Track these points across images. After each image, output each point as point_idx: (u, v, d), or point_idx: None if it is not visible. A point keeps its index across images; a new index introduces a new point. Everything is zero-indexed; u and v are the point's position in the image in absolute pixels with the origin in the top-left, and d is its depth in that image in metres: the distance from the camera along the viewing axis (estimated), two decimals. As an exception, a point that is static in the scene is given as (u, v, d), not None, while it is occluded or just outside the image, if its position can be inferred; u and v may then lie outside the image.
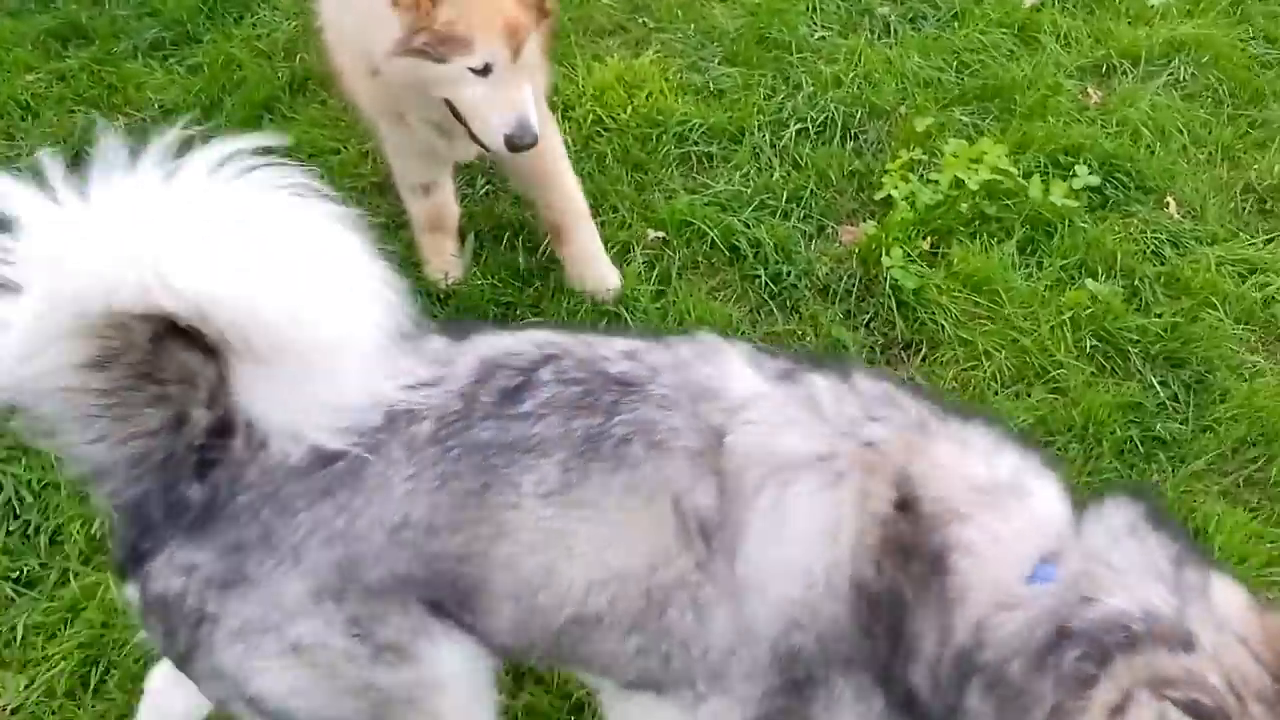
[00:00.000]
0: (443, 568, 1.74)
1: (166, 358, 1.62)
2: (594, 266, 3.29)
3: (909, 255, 3.43)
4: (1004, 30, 4.28)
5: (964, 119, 3.94)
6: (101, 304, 1.52)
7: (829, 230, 3.59)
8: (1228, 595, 1.64)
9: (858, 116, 3.92)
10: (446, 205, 3.31)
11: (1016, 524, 1.69)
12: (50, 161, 1.52)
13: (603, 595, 1.75)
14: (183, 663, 1.80)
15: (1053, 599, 1.63)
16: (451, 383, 1.75)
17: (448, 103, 2.80)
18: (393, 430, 1.71)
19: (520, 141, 2.77)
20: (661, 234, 3.50)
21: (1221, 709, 1.50)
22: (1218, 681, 1.52)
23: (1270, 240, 3.67)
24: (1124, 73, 4.21)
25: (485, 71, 2.71)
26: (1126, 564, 1.65)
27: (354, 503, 1.70)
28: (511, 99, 2.74)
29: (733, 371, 1.79)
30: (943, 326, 3.31)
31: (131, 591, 1.77)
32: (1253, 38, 4.40)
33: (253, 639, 1.72)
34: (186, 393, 1.65)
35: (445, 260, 3.30)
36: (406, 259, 3.25)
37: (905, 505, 1.68)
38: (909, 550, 1.66)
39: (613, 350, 1.80)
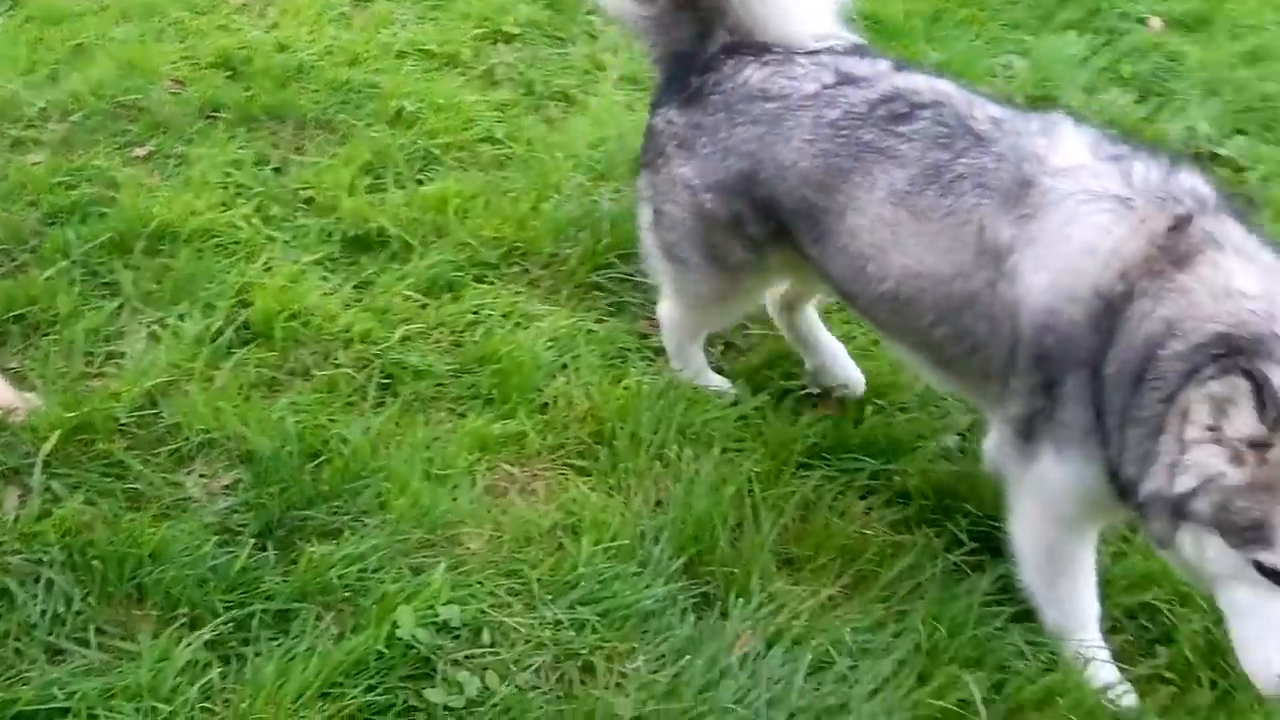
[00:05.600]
0: (805, 209, 2.46)
1: None
2: None
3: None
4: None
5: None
6: None
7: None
8: None
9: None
10: None
11: None
12: None
13: (916, 283, 2.33)
14: (646, 168, 2.70)
15: None
16: (867, 92, 2.43)
17: None
18: (815, 103, 2.45)
19: None
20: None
21: None
22: None
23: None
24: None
25: None
26: None
27: (767, 137, 2.49)
28: None
29: (1066, 145, 2.27)
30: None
31: (649, 119, 2.72)
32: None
33: (678, 187, 2.61)
34: (714, 16, 2.60)
35: None
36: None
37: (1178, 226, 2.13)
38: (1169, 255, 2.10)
39: (984, 113, 2.36)
